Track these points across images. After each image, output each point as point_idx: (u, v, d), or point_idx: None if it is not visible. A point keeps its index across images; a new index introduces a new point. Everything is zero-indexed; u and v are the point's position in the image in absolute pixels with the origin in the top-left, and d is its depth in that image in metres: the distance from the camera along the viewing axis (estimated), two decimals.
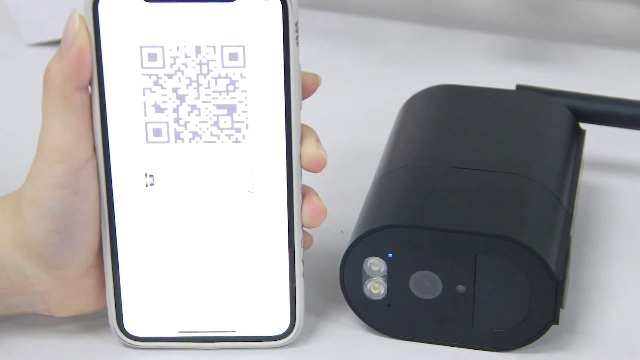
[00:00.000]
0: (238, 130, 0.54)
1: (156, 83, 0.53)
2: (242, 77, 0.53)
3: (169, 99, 0.53)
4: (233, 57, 0.53)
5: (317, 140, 0.55)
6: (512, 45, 0.85)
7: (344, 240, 0.59)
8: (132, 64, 0.53)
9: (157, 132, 0.54)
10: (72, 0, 0.76)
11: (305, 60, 0.54)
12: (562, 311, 0.56)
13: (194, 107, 0.54)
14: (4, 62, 0.85)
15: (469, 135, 0.63)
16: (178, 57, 0.53)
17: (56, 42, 0.57)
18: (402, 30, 0.88)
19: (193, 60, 0.53)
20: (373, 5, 0.91)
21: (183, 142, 0.54)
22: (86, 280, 0.56)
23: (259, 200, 0.55)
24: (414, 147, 0.63)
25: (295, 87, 0.53)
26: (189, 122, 0.54)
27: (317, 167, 0.55)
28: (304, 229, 0.56)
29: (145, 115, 0.54)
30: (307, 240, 0.57)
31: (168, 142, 0.54)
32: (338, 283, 0.58)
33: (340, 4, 0.92)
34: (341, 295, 0.58)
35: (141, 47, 0.53)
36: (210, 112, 0.54)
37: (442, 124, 0.65)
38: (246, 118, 0.54)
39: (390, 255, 0.57)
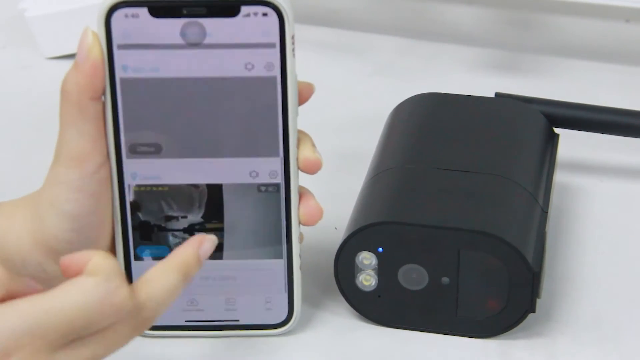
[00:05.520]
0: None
1: None
2: None
3: None
4: None
5: (313, 144, 0.55)
6: (491, 56, 0.86)
7: (338, 236, 0.59)
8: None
9: None
10: (86, 17, 0.75)
11: (301, 70, 0.54)
12: (538, 301, 0.56)
13: None
14: (25, 73, 0.85)
15: (452, 139, 0.63)
16: None
17: (72, 56, 0.56)
18: (391, 43, 0.88)
19: None
20: (364, 21, 0.92)
21: None
22: None
23: (260, 200, 0.55)
24: (401, 150, 0.63)
25: (292, 95, 0.53)
26: None
27: (313, 169, 0.55)
28: (300, 227, 0.56)
29: None
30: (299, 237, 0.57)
31: None
32: (332, 276, 0.58)
33: (334, 19, 0.92)
34: (335, 287, 0.59)
35: None
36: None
37: (428, 129, 0.65)
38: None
39: (380, 250, 0.57)
